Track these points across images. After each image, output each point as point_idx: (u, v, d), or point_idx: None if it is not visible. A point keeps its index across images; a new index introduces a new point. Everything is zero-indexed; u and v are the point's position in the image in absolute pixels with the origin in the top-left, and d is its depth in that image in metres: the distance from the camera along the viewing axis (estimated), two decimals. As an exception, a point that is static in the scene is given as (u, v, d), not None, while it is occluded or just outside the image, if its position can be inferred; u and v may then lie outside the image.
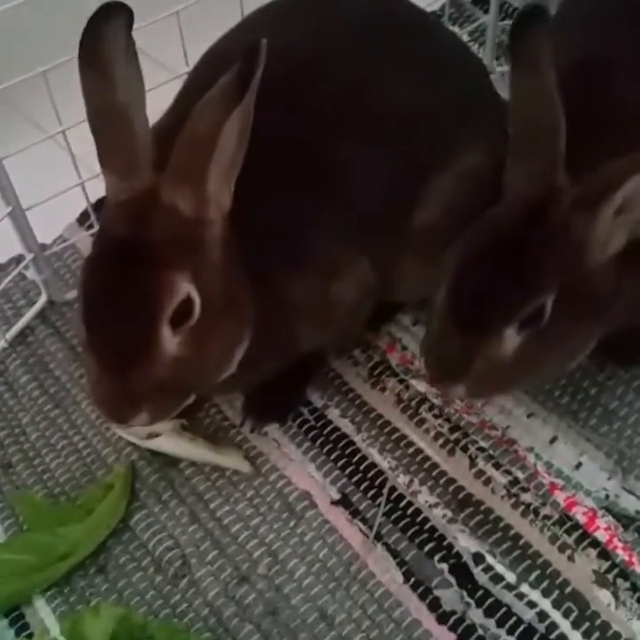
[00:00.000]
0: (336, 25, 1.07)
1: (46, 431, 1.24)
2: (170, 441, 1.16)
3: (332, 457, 1.17)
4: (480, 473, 1.13)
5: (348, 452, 1.17)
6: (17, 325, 1.35)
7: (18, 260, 1.45)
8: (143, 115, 0.92)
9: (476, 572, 1.05)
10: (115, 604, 1.00)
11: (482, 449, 1.15)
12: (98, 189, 1.23)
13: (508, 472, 1.13)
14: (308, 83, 1.01)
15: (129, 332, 0.87)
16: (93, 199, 1.37)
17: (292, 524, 1.12)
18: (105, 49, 0.90)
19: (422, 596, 1.04)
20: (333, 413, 1.21)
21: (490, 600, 1.03)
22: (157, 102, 1.07)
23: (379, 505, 1.12)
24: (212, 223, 0.90)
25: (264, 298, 0.97)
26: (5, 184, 1.20)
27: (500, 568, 1.05)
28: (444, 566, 1.06)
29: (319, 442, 1.18)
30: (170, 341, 0.87)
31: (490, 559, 1.06)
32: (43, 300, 1.38)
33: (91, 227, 1.45)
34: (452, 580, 1.05)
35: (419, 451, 1.16)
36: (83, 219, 1.50)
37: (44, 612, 1.08)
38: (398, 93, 1.03)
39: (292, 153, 0.98)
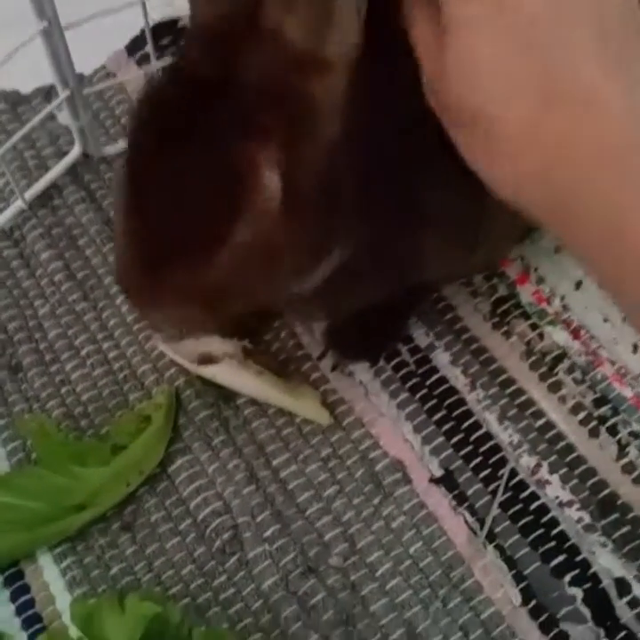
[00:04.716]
0: None
1: (69, 329, 0.97)
2: (230, 371, 0.89)
3: (436, 417, 0.90)
4: (630, 467, 0.86)
5: (456, 413, 0.90)
6: (40, 182, 1.05)
7: (47, 92, 1.14)
8: None
9: (619, 605, 0.80)
10: (145, 595, 0.75)
11: (636, 435, 0.88)
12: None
13: (670, 471, 0.86)
14: None
15: (188, 225, 0.60)
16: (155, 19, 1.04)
17: (376, 501, 0.86)
18: None
19: (545, 629, 0.79)
20: (441, 358, 0.93)
21: (635, 648, 0.78)
22: None
23: (494, 492, 0.86)
24: (331, 67, 0.59)
25: (385, 200, 0.68)
26: (42, -8, 0.87)
27: (652, 605, 0.80)
28: (577, 592, 0.81)
29: (420, 395, 0.91)
30: (230, 238, 0.60)
31: (638, 590, 0.80)
32: (76, 152, 1.07)
33: (144, 60, 1.12)
34: (587, 612, 0.80)
35: (550, 425, 0.89)
36: (134, 47, 1.16)
37: (49, 573, 0.84)
38: None
39: None
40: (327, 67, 0.59)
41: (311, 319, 0.93)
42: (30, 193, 1.04)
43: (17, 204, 1.03)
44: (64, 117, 1.07)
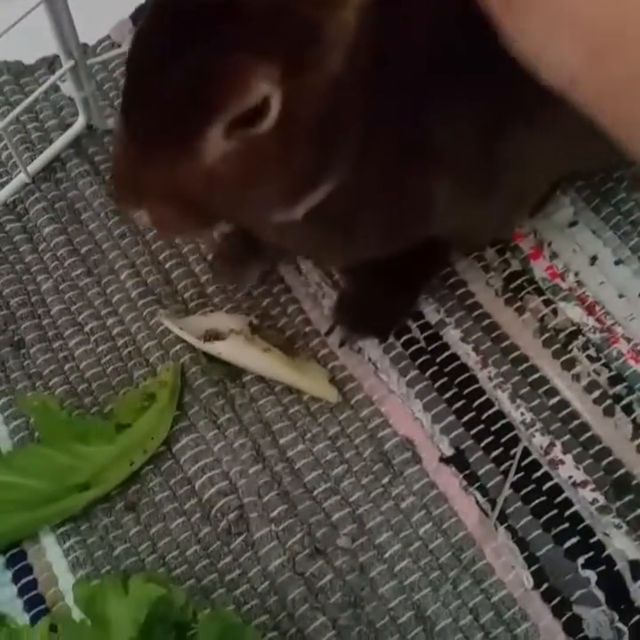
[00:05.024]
0: None
1: (73, 304, 0.95)
2: (236, 347, 0.87)
3: (446, 395, 0.88)
4: (646, 447, 0.84)
5: (467, 391, 0.88)
6: (44, 155, 1.03)
7: (50, 63, 1.11)
8: None
9: (634, 588, 0.78)
10: (148, 578, 0.74)
11: (652, 414, 0.86)
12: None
13: (687, 453, 0.84)
14: None
15: (171, 117, 0.59)
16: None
17: (385, 480, 0.84)
18: None
19: (557, 612, 0.78)
20: (451, 335, 0.91)
21: (650, 632, 0.76)
22: None
23: (505, 472, 0.84)
24: (345, 4, 0.57)
25: (393, 137, 0.66)
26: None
27: (668, 590, 0.78)
28: (591, 575, 0.79)
29: (430, 372, 0.89)
30: (215, 146, 0.59)
31: (653, 574, 0.78)
32: (80, 123, 1.05)
33: (148, 30, 1.09)
34: (601, 595, 0.78)
35: (564, 403, 0.87)
36: (139, 16, 1.13)
37: (52, 554, 0.83)
38: None
39: None
40: (341, 3, 0.57)
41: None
42: (33, 166, 1.02)
43: (20, 178, 1.01)
44: (68, 88, 1.04)
